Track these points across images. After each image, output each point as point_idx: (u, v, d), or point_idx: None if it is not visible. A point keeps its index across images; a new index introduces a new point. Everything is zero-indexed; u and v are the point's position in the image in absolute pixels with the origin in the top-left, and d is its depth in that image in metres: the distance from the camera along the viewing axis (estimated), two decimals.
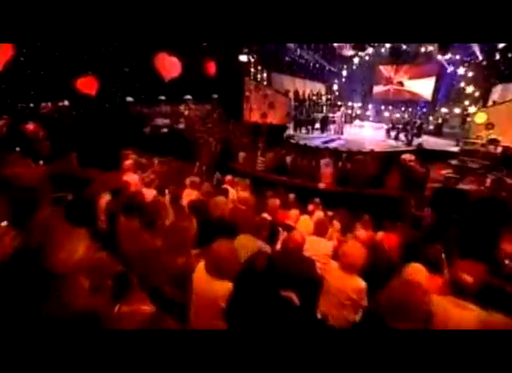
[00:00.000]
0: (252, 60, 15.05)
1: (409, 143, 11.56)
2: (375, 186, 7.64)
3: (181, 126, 12.93)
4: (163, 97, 13.11)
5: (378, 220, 5.84)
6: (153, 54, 10.99)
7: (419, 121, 12.29)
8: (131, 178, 4.60)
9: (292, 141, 11.61)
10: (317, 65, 17.51)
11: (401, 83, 16.77)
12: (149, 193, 4.27)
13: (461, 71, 14.44)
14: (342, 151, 9.44)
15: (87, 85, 10.40)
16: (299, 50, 16.22)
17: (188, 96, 14.37)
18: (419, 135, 11.71)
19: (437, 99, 15.69)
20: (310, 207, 4.83)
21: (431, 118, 14.12)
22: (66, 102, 9.77)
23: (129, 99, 12.12)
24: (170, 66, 13.01)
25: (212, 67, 15.17)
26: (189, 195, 4.37)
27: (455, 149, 10.89)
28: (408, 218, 5.39)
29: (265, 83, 16.39)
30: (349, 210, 6.09)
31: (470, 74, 14.18)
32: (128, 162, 4.76)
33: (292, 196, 5.33)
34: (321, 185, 7.79)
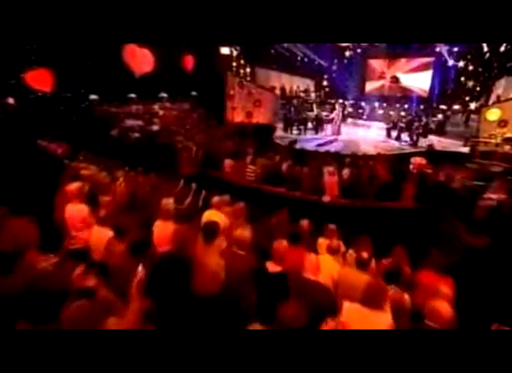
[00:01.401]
0: (235, 52, 13.78)
1: (414, 143, 10.60)
2: (390, 198, 6.54)
3: (155, 128, 11.55)
4: (133, 95, 11.74)
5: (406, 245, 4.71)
6: (121, 45, 9.61)
7: (424, 119, 11.37)
8: (76, 211, 3.24)
9: (296, 146, 10.23)
10: (306, 59, 16.44)
11: (395, 78, 15.91)
12: (104, 236, 2.94)
13: (460, 63, 13.67)
14: (346, 155, 8.30)
15: (40, 79, 8.92)
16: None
17: (163, 94, 13.09)
18: (424, 135, 10.78)
19: (435, 95, 14.91)
20: (334, 244, 3.58)
21: (423, 116, 13.21)
22: (11, 100, 8.20)
23: (93, 96, 10.62)
24: (141, 59, 11.67)
25: (189, 62, 14.01)
26: (162, 238, 3.06)
27: (465, 150, 10.01)
28: (458, 249, 4.23)
29: (249, 79, 15.19)
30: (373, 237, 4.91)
31: (471, 67, 13.43)
32: (75, 187, 3.38)
33: (305, 224, 4.11)
34: (326, 198, 6.63)
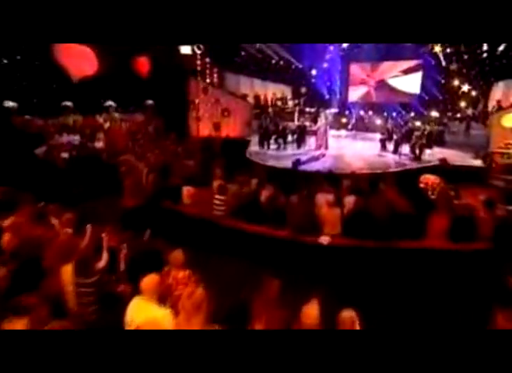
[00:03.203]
0: (198, 52, 12.19)
1: (417, 157, 9.27)
2: (411, 235, 4.97)
3: (99, 145, 9.62)
4: (69, 103, 9.77)
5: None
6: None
7: (427, 128, 10.11)
8: None
9: (276, 164, 8.68)
10: (281, 62, 15.14)
11: (382, 83, 14.94)
12: None
13: (453, 66, 12.80)
14: (343, 176, 6.72)
15: None
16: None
17: (110, 102, 11.17)
18: (429, 146, 9.49)
19: (426, 101, 13.99)
20: None
21: (418, 123, 12.15)
22: None
23: (10, 104, 8.50)
24: (80, 60, 9.91)
25: (144, 64, 12.38)
26: None
27: (477, 163, 8.80)
28: None
29: (217, 85, 13.63)
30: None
31: (464, 70, 12.59)
32: None
33: (314, 311, 2.41)
34: (325, 239, 5.00)
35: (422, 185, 7.07)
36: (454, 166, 7.95)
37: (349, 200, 5.39)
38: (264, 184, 6.18)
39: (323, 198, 5.44)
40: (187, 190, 6.19)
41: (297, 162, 8.23)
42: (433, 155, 9.59)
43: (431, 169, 7.85)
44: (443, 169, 7.68)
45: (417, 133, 9.70)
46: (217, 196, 5.67)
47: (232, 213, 5.66)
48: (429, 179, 6.98)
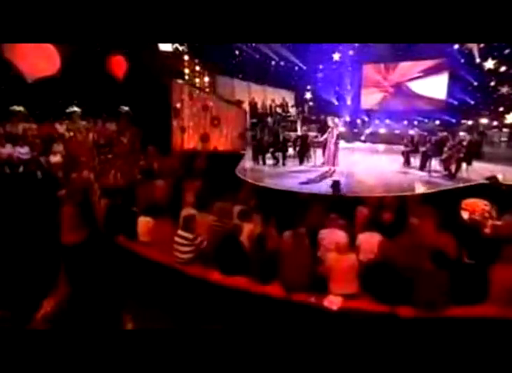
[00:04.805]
0: (181, 48, 11.12)
1: (453, 175, 7.81)
2: (468, 299, 3.51)
3: (55, 159, 8.40)
4: (19, 108, 8.64)
5: None
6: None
7: (467, 137, 8.67)
8: None
9: (271, 184, 7.36)
10: (282, 63, 14.14)
11: (400, 86, 13.82)
12: None
13: (488, 64, 11.53)
14: (357, 201, 5.27)
15: None
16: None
17: (74, 108, 10.03)
18: (469, 161, 8.01)
19: (454, 106, 12.75)
20: None
21: (445, 133, 10.82)
22: None
23: None
24: (38, 57, 8.88)
25: (120, 64, 11.34)
26: None
27: None
28: None
29: (207, 90, 12.54)
30: None
31: (503, 67, 11.33)
32: None
33: None
34: (334, 300, 3.57)
35: (466, 214, 5.60)
36: (507, 186, 6.45)
37: (369, 241, 3.98)
38: (251, 214, 4.76)
39: (330, 237, 4.04)
40: (142, 222, 4.81)
41: (337, 185, 6.61)
42: (474, 171, 8.12)
43: (473, 191, 6.36)
44: (490, 190, 6.21)
45: (450, 143, 8.26)
46: (181, 233, 4.26)
47: (201, 258, 4.25)
48: (477, 205, 5.51)
